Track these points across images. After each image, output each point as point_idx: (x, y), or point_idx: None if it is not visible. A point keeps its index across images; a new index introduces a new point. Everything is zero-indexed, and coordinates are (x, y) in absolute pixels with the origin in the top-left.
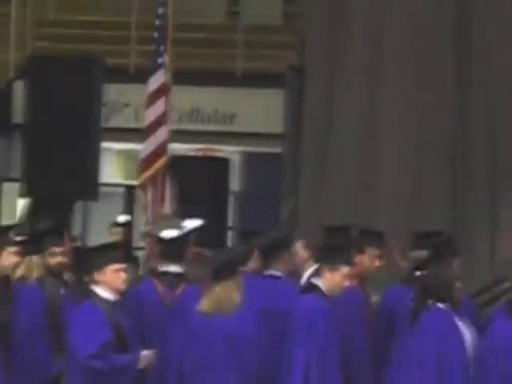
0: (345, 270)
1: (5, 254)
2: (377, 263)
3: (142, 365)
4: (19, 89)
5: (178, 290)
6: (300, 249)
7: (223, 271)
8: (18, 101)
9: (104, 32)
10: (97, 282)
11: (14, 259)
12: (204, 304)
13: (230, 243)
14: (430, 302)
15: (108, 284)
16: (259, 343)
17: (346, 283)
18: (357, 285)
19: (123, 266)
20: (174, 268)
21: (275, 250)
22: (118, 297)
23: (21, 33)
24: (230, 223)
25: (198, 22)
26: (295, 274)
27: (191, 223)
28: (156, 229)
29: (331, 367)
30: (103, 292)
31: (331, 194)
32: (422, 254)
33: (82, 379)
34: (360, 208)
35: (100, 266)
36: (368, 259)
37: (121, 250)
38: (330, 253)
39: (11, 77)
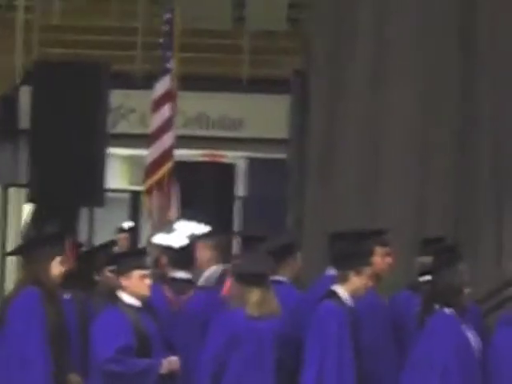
0: (367, 270)
1: (54, 263)
2: (387, 260)
3: (164, 370)
4: (25, 94)
5: (186, 296)
6: (203, 249)
7: (260, 277)
8: (24, 106)
9: (110, 37)
10: (122, 288)
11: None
12: (251, 308)
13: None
14: (436, 307)
15: (133, 290)
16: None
17: (370, 283)
18: (373, 287)
19: (148, 272)
20: (182, 274)
21: (281, 255)
22: (141, 303)
23: (27, 38)
24: (235, 229)
25: (204, 27)
26: (299, 280)
27: (197, 229)
28: (162, 236)
29: (345, 371)
30: (128, 298)
31: (337, 199)
32: (428, 259)
33: (103, 381)
34: (365, 212)
35: (126, 272)
36: (378, 259)
37: (146, 256)
38: (351, 257)
39: (17, 82)
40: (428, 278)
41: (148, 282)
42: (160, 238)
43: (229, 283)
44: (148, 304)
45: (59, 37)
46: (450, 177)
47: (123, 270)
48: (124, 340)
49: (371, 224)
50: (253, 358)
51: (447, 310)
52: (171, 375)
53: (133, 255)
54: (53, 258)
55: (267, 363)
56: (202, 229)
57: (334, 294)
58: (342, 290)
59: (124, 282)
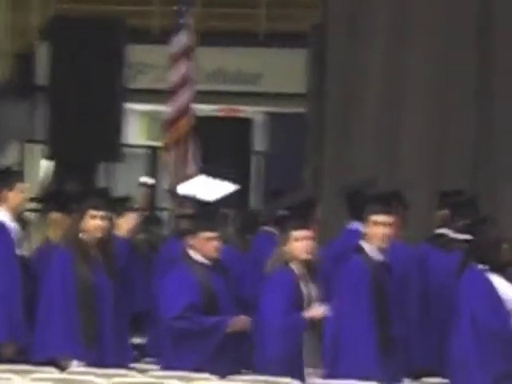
0: (380, 218)
1: (88, 217)
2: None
3: (231, 329)
4: (42, 51)
5: None
6: None
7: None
8: (41, 63)
9: None
10: (190, 246)
11: (97, 222)
12: None
13: (253, 204)
14: (471, 262)
15: (200, 250)
16: None
17: (386, 232)
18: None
19: (216, 234)
20: None
21: (302, 211)
22: (210, 261)
23: None
24: (252, 184)
25: None
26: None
27: (222, 186)
28: (188, 190)
29: (363, 323)
30: (196, 255)
31: (355, 153)
32: (447, 213)
33: (170, 339)
34: (385, 166)
35: (193, 232)
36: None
37: (214, 218)
38: (361, 206)
39: (34, 39)
40: (444, 230)
41: (215, 244)
42: (183, 191)
43: None
44: (219, 263)
45: None
46: (468, 137)
47: (191, 231)
48: (190, 298)
49: (391, 177)
50: None
51: (479, 266)
52: (241, 334)
53: (199, 217)
54: (85, 213)
55: None
56: (229, 187)
57: (361, 249)
58: (366, 244)
59: (191, 241)
